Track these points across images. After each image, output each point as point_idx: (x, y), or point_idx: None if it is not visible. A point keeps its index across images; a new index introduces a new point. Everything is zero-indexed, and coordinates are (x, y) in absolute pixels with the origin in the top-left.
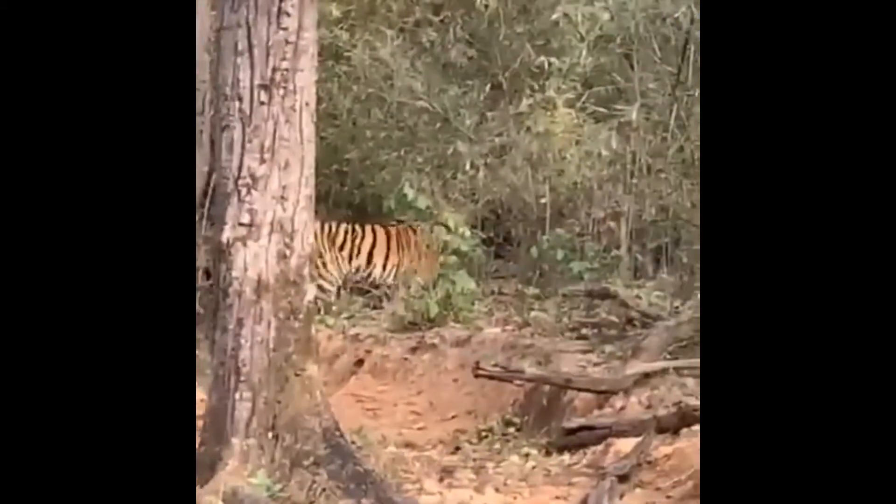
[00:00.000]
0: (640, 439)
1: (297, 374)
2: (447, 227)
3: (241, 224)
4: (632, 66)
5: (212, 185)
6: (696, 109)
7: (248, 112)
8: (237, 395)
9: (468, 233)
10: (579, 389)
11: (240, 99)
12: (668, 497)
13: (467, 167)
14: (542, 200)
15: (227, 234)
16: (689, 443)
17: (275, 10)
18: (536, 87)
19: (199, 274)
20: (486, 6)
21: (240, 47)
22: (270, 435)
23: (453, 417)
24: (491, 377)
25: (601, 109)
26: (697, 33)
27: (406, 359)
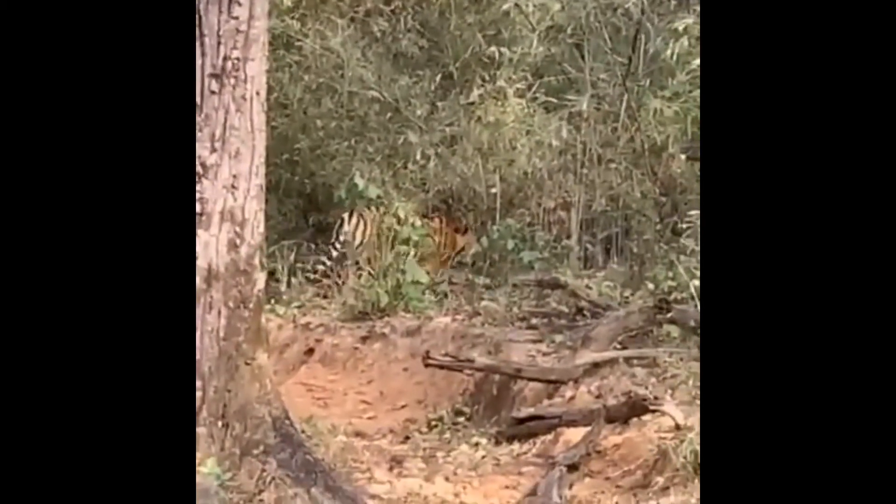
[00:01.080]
0: (589, 429)
1: (246, 363)
2: (398, 216)
3: None
4: (583, 57)
5: None
6: (647, 100)
7: (198, 101)
8: None
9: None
10: (529, 379)
11: None
12: (618, 486)
13: (418, 157)
14: (493, 190)
15: None
16: (639, 432)
17: None
18: (487, 77)
19: None
20: None
21: None
22: (220, 423)
23: (403, 407)
24: (441, 366)
25: (552, 99)
26: (648, 24)
27: (356, 348)
